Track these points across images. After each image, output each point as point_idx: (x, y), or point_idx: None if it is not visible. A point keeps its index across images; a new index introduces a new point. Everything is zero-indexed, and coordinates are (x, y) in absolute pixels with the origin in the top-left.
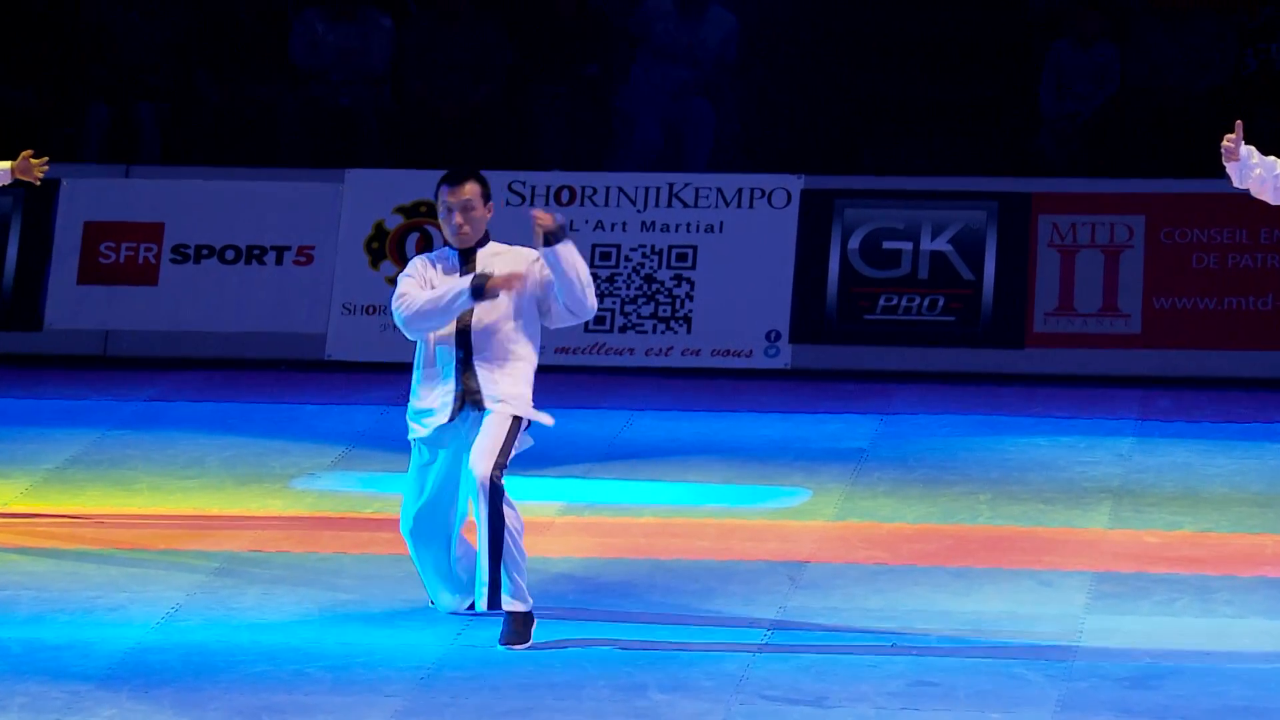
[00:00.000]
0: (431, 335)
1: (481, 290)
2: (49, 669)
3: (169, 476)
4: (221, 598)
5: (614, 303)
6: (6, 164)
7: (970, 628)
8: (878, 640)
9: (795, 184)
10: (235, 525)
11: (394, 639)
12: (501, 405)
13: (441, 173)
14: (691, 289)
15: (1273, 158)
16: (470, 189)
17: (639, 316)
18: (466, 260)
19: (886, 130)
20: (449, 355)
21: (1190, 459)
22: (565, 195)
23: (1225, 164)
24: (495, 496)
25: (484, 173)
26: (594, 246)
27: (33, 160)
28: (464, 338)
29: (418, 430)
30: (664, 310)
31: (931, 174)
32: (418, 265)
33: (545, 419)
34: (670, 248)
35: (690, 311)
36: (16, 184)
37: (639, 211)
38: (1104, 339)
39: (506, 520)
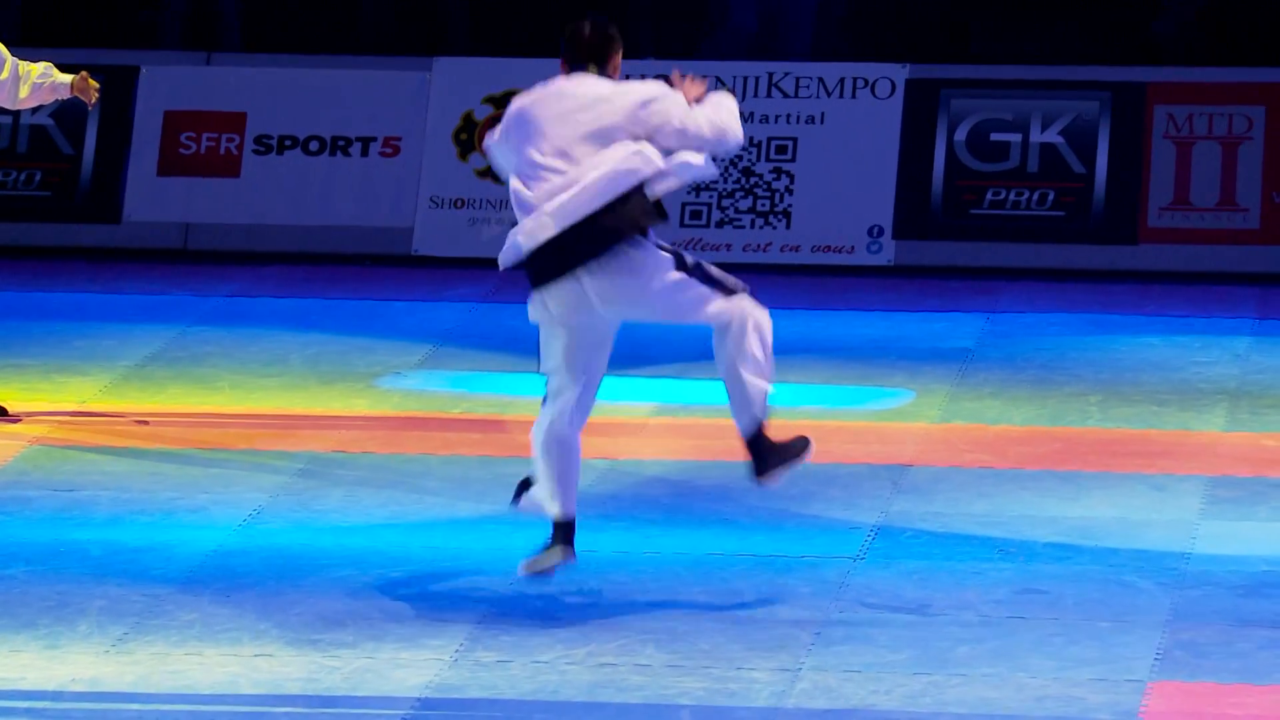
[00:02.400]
0: None
1: None
2: (129, 571)
3: (251, 374)
4: (304, 499)
5: (711, 196)
6: (68, 78)
7: (1079, 534)
8: (983, 546)
9: (900, 73)
10: (319, 425)
11: (481, 544)
12: None
13: (525, 60)
14: (791, 182)
15: None
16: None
17: (736, 211)
18: None
19: (995, 16)
20: None
21: None
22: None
23: None
24: None
25: None
26: None
27: (90, 81)
28: None
29: None
30: (763, 205)
31: (1042, 62)
32: None
33: None
34: (769, 139)
35: (790, 206)
36: (72, 100)
37: (738, 101)
38: (1221, 234)
39: None
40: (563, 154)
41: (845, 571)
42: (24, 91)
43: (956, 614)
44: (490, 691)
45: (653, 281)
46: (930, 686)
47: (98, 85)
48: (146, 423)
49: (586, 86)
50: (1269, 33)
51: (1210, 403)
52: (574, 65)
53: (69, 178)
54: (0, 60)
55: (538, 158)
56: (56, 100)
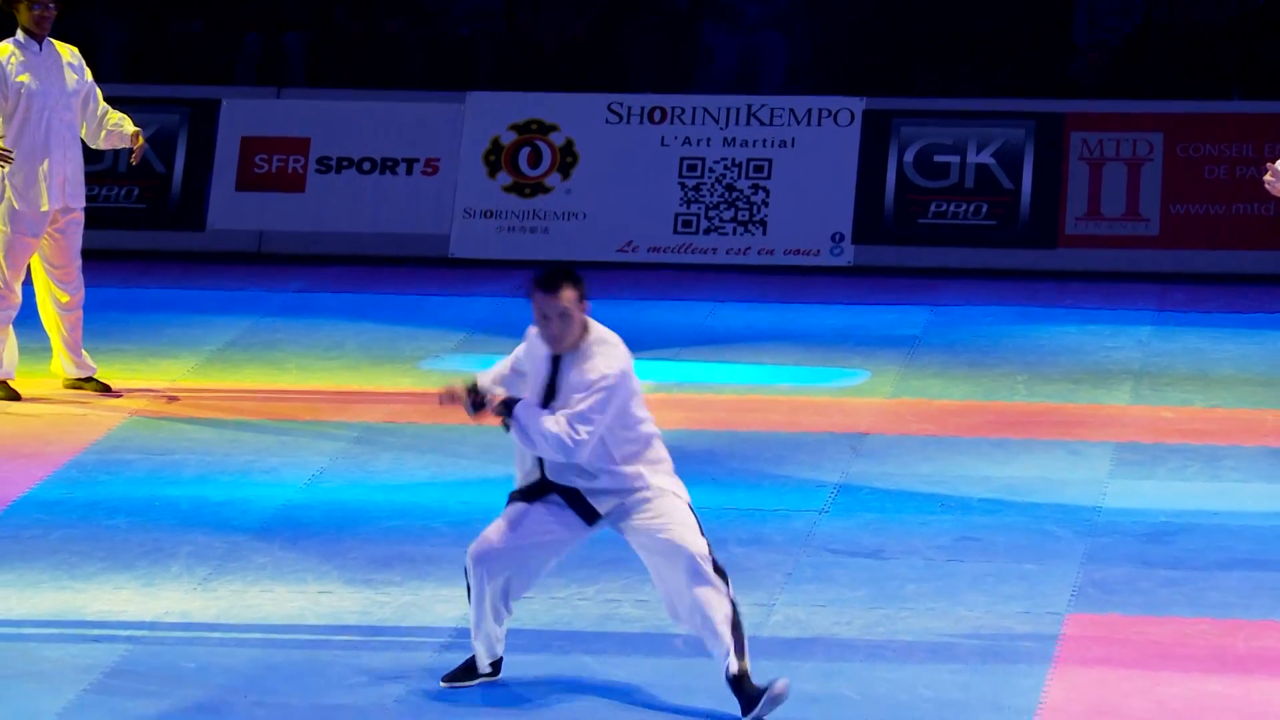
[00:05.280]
0: None
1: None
2: (212, 522)
3: (314, 357)
4: (360, 462)
5: (699, 208)
6: (132, 130)
7: (1008, 490)
8: (928, 501)
9: (858, 105)
10: (371, 400)
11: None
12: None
13: (543, 94)
14: (767, 196)
15: None
16: (567, 295)
17: (720, 220)
18: (554, 363)
19: (939, 58)
20: None
21: (1202, 344)
22: (657, 115)
23: (1277, 188)
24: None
25: (584, 96)
26: (682, 160)
27: (140, 140)
28: None
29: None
30: (743, 215)
31: (977, 96)
32: (522, 346)
33: None
34: (748, 160)
35: (765, 216)
36: (118, 150)
37: (721, 129)
38: (1127, 240)
39: None
40: None
41: (812, 522)
42: (102, 134)
43: (905, 558)
44: (515, 622)
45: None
46: (883, 619)
47: (144, 145)
48: (228, 398)
49: None
50: (1167, 72)
51: (1118, 381)
52: None
53: (161, 193)
54: (95, 100)
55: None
56: (122, 146)
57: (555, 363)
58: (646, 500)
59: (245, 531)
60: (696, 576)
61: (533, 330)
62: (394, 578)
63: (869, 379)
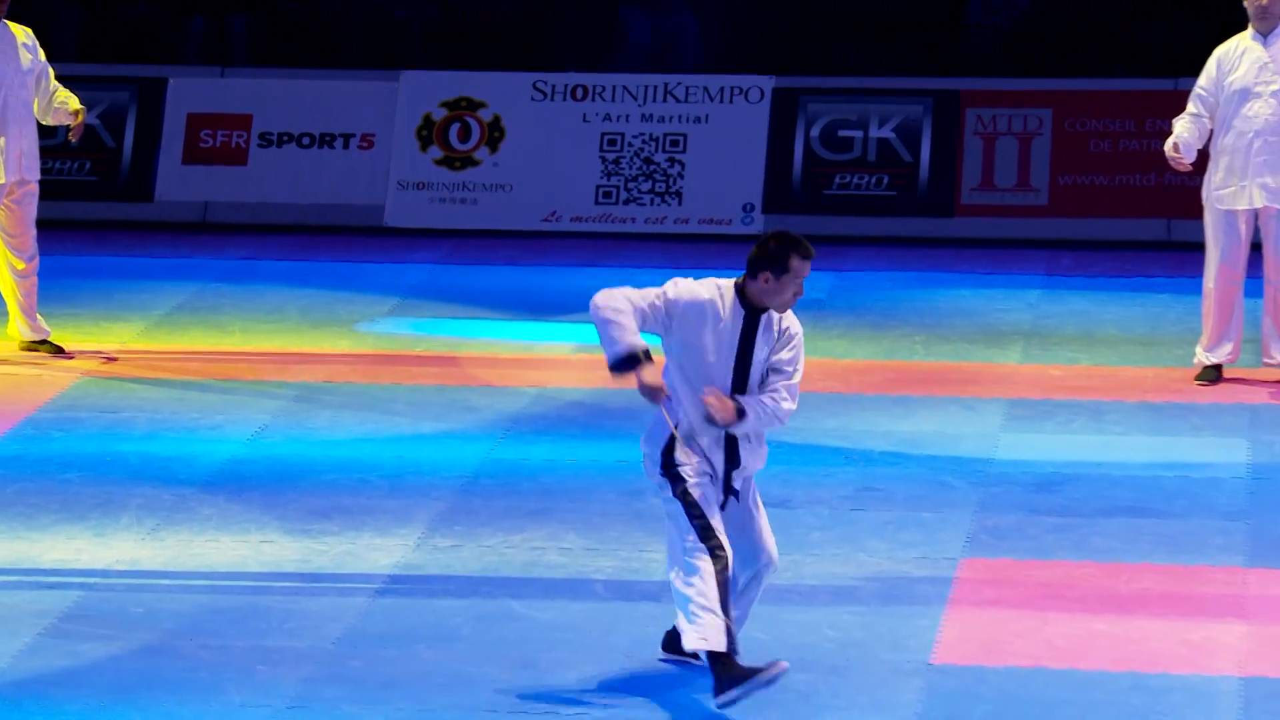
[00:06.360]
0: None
1: (621, 366)
2: (160, 476)
3: (256, 321)
4: (299, 419)
5: (619, 180)
6: (76, 107)
7: (907, 444)
8: (832, 454)
9: (767, 83)
10: (310, 361)
11: (439, 454)
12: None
13: (473, 73)
14: (682, 169)
15: (1183, 117)
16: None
17: (639, 191)
18: (753, 316)
19: (844, 39)
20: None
21: (1087, 307)
22: (579, 93)
23: (1181, 163)
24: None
25: (511, 75)
26: (603, 135)
27: (80, 119)
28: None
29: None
30: (660, 186)
31: (879, 75)
32: (688, 287)
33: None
34: (665, 135)
35: (681, 187)
36: (65, 127)
37: (639, 105)
38: (1018, 209)
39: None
40: None
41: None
42: (50, 111)
43: (812, 508)
44: (445, 570)
45: None
46: (791, 564)
47: (83, 124)
48: (175, 359)
49: None
50: (1054, 52)
51: (1009, 341)
52: None
53: (112, 165)
54: (47, 79)
55: None
56: (65, 123)
57: (752, 319)
58: (750, 486)
59: (192, 485)
60: (758, 585)
61: (698, 289)
62: (331, 528)
63: None
